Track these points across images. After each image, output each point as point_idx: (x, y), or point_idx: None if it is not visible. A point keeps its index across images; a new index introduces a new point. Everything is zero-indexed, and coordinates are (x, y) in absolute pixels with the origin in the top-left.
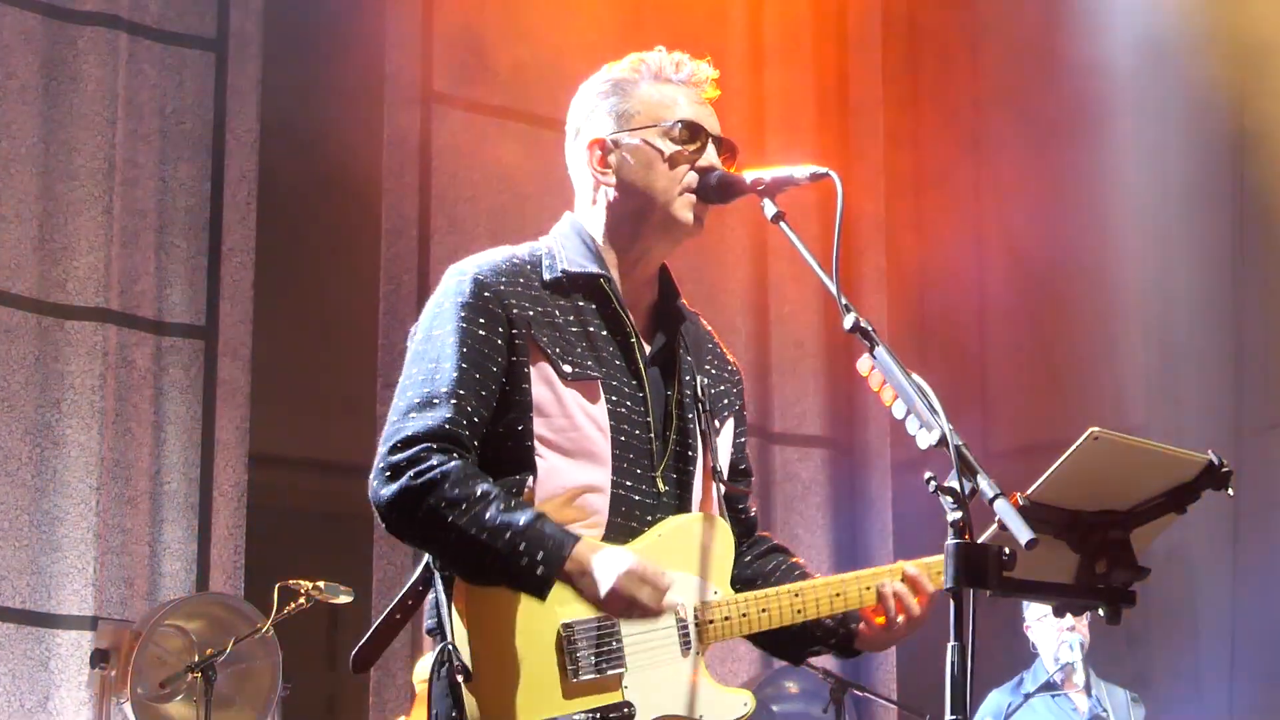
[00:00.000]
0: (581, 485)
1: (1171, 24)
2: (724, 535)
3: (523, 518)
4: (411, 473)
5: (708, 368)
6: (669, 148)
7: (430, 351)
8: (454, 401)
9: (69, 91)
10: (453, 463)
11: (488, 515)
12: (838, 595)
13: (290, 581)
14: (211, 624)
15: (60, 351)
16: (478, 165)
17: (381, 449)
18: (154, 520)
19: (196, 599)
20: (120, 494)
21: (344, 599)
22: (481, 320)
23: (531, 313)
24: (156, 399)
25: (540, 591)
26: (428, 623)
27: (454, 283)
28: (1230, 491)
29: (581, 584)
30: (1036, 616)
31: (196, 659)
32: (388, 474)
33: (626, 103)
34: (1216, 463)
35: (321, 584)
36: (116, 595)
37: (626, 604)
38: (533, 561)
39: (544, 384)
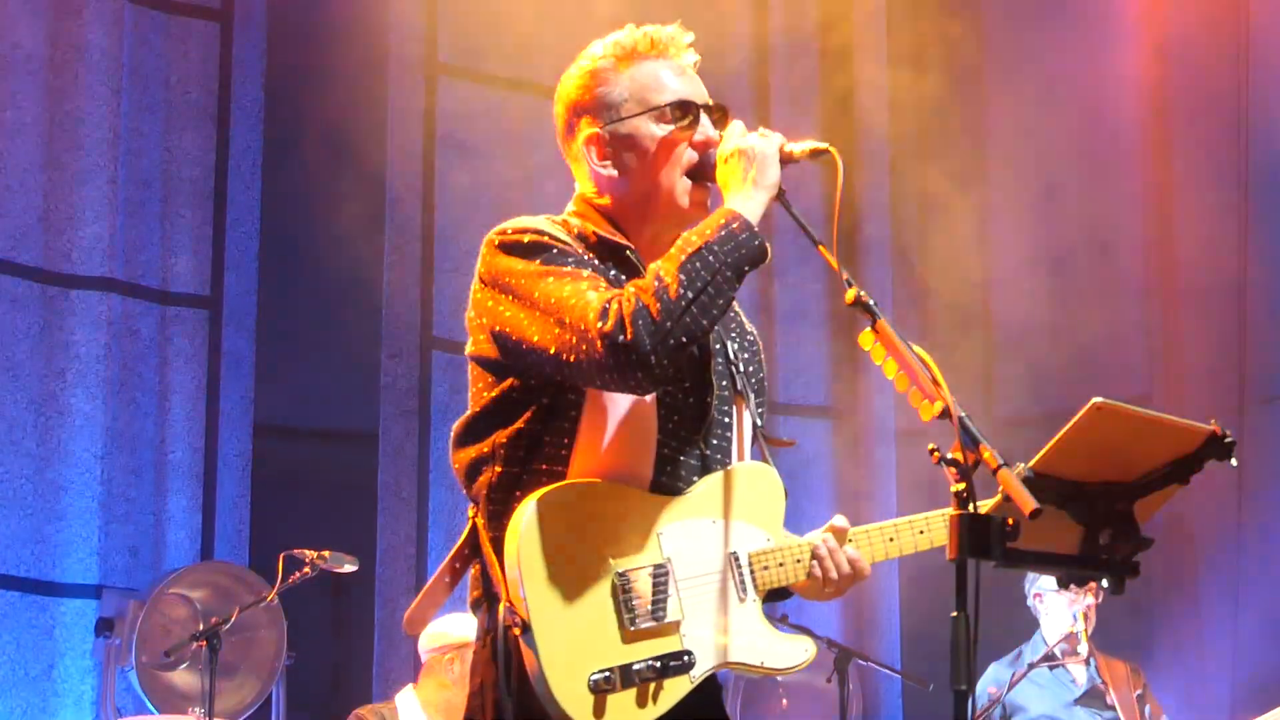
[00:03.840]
0: (629, 448)
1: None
2: (775, 484)
3: (693, 245)
4: (620, 322)
5: (733, 334)
6: (663, 130)
7: (537, 271)
8: (578, 264)
9: (74, 61)
10: (630, 297)
11: (682, 271)
12: (890, 540)
13: (295, 550)
14: (216, 593)
15: (65, 321)
16: (482, 136)
17: (586, 336)
18: (159, 489)
19: (201, 568)
20: (125, 463)
21: (349, 568)
22: (566, 243)
23: (587, 258)
24: (161, 368)
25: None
26: (472, 595)
27: (521, 231)
28: (1234, 462)
29: (761, 201)
30: (1050, 588)
31: (201, 628)
32: (610, 338)
33: (612, 91)
34: (1220, 433)
35: (326, 553)
36: (121, 564)
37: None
38: (738, 250)
39: None
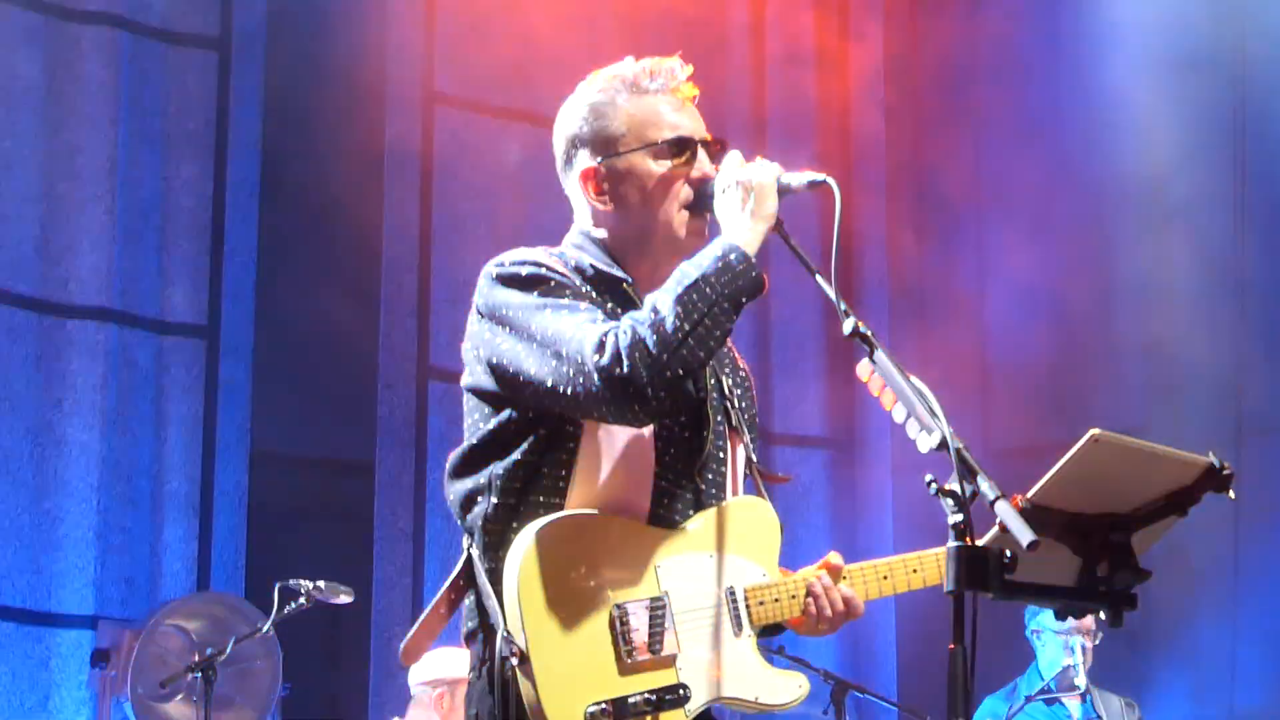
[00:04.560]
0: (626, 481)
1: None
2: (770, 519)
3: (690, 277)
4: (616, 355)
5: (727, 370)
6: (660, 166)
7: (534, 303)
8: (575, 296)
9: (72, 91)
10: (626, 330)
11: (679, 303)
12: (884, 578)
13: (291, 581)
14: (212, 623)
15: (62, 351)
16: (479, 165)
17: (584, 369)
18: (155, 520)
19: (197, 598)
20: (121, 493)
21: (344, 599)
22: (565, 275)
23: (585, 290)
24: (158, 398)
25: (761, 287)
26: (467, 626)
27: (516, 264)
28: (1231, 494)
29: (759, 232)
30: (1049, 624)
31: (197, 659)
32: (607, 370)
33: (610, 125)
34: (1217, 465)
35: (322, 584)
36: (117, 595)
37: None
38: (735, 282)
39: None
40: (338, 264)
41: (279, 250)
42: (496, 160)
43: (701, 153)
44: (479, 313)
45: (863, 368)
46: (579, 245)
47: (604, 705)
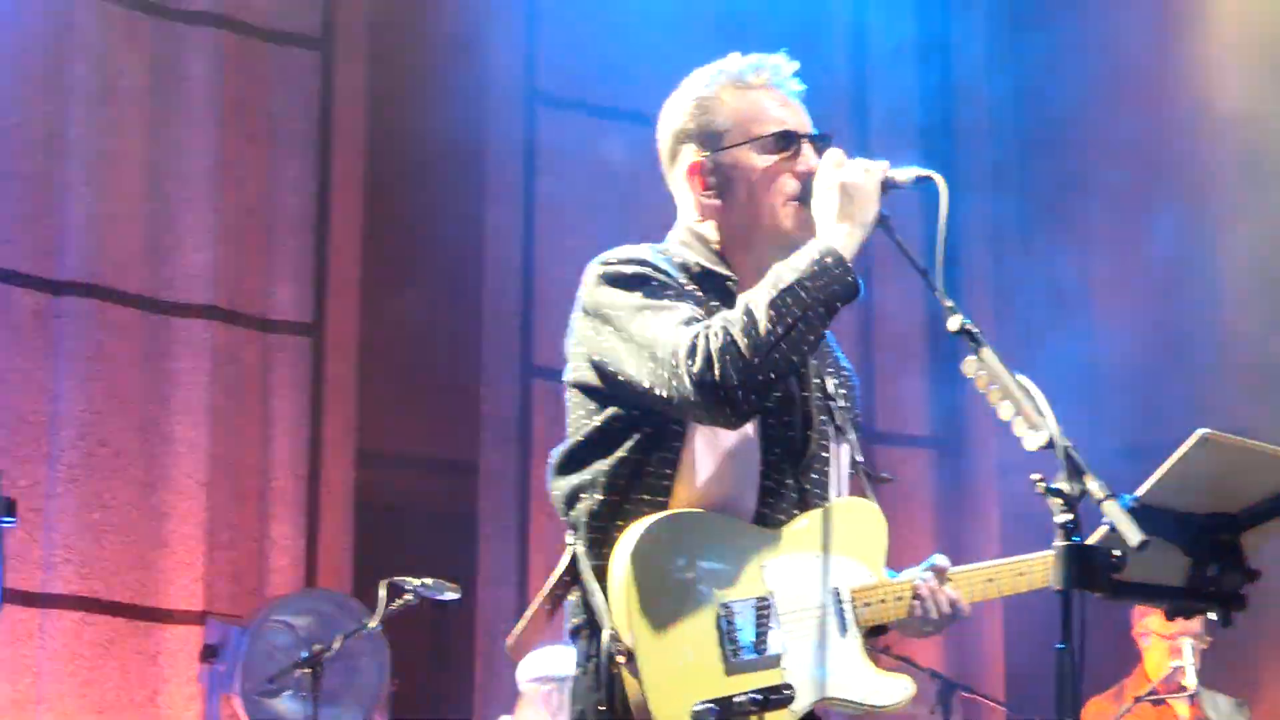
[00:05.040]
0: (734, 480)
1: None
2: (877, 520)
3: (785, 280)
4: (708, 359)
5: (830, 369)
6: (766, 160)
7: (632, 304)
8: (678, 297)
9: (176, 91)
10: (718, 332)
11: (772, 306)
12: (990, 581)
13: (397, 578)
14: (320, 620)
15: (169, 349)
16: (582, 164)
17: (677, 372)
18: (262, 517)
19: (305, 595)
20: (229, 490)
21: (450, 596)
22: (667, 276)
23: (689, 289)
24: (264, 396)
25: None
26: (573, 622)
27: (619, 262)
28: None
29: (856, 238)
30: (1156, 628)
31: (305, 655)
32: (699, 375)
33: (715, 120)
34: None
35: (428, 580)
36: (225, 591)
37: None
38: (830, 286)
39: None
40: (441, 261)
41: (383, 248)
42: (598, 158)
43: (807, 147)
44: (584, 310)
45: (968, 365)
46: (685, 242)
47: (711, 704)
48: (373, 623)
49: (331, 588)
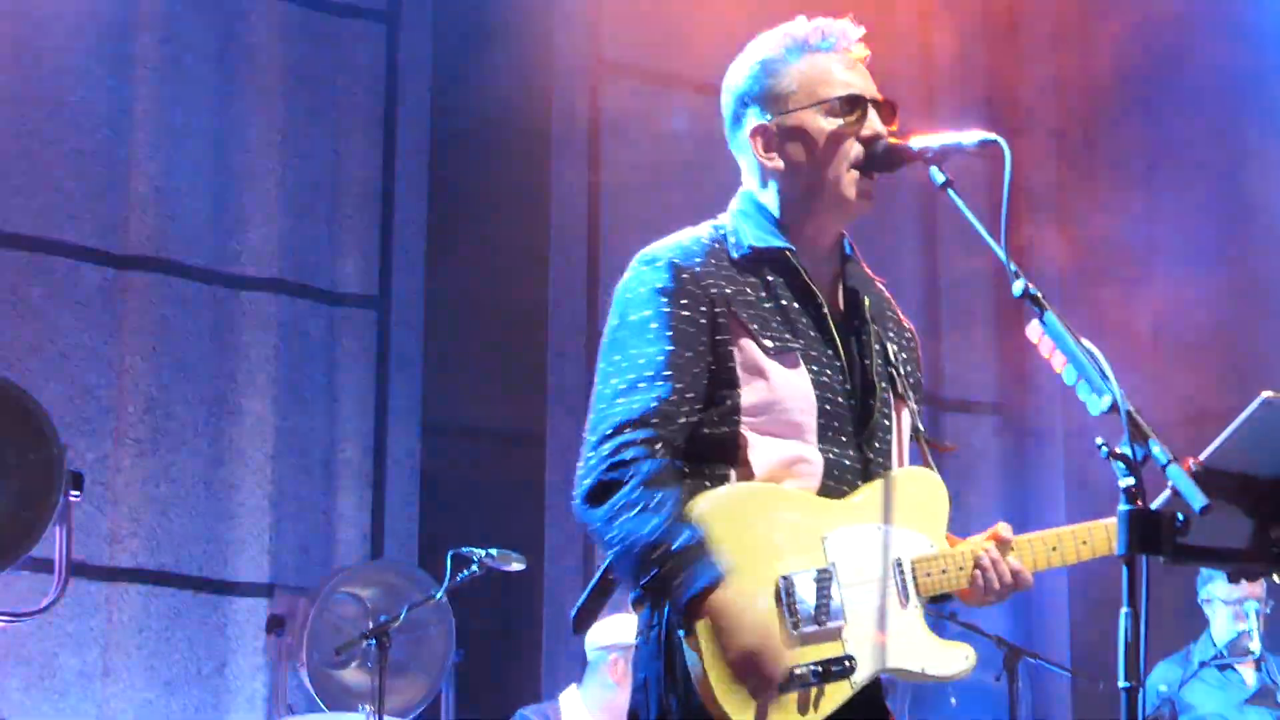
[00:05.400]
0: (791, 457)
1: None
2: (938, 490)
3: (679, 541)
4: (605, 468)
5: (891, 334)
6: (831, 124)
7: (631, 339)
8: (661, 382)
9: (242, 64)
10: (647, 463)
11: (650, 525)
12: (1053, 550)
13: (463, 549)
14: (385, 591)
15: (235, 322)
16: (647, 134)
17: (590, 438)
18: (328, 489)
19: (371, 566)
20: (295, 463)
21: (516, 566)
22: (684, 302)
23: (730, 290)
24: (330, 369)
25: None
26: (633, 592)
27: (647, 269)
28: None
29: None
30: (1220, 594)
31: (371, 626)
32: (593, 459)
33: (780, 83)
34: None
35: (494, 551)
36: (292, 563)
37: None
38: (668, 586)
39: (748, 361)
40: (507, 233)
41: (449, 220)
42: (664, 128)
43: (872, 112)
44: (612, 313)
45: (1033, 330)
46: (744, 213)
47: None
48: (439, 594)
49: (398, 559)
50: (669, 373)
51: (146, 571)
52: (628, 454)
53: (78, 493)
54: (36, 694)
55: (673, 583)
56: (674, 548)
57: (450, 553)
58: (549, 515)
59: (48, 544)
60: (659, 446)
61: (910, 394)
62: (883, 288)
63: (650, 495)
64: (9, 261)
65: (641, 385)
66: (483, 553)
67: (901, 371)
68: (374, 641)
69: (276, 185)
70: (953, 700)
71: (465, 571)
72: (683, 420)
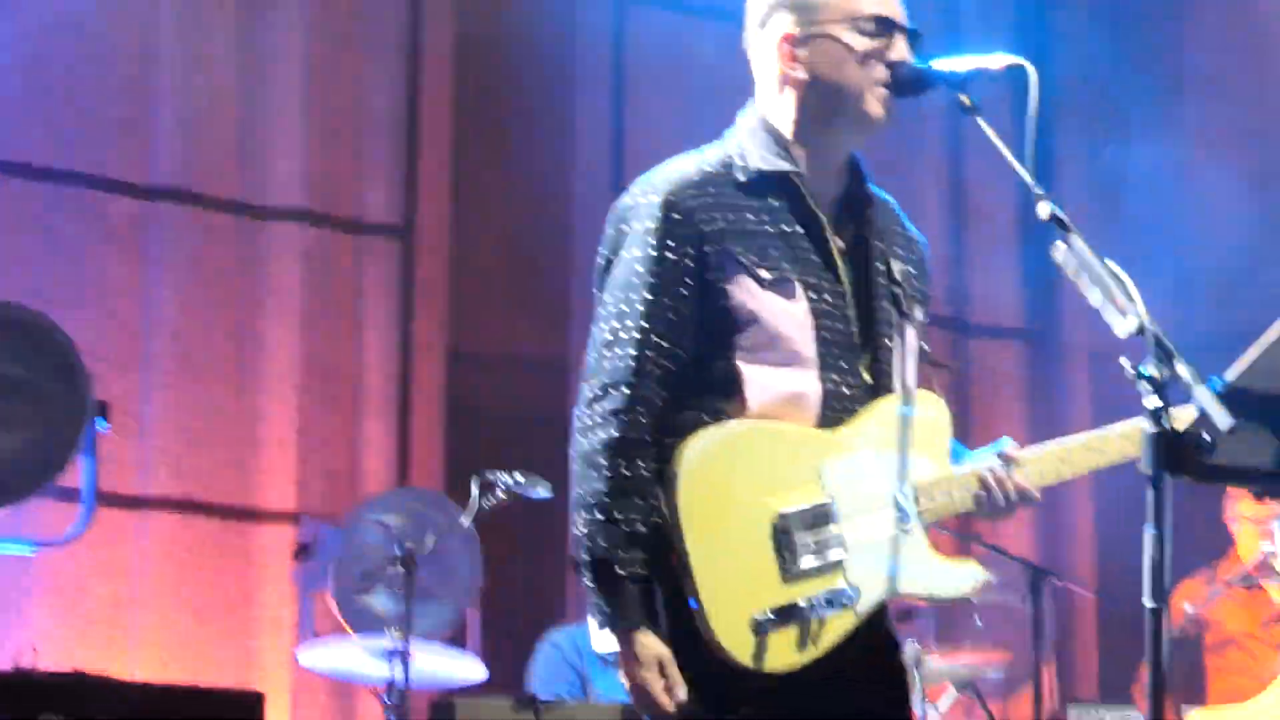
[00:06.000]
0: (790, 392)
1: None
2: (939, 413)
3: (628, 570)
4: (604, 442)
5: (898, 250)
6: (860, 43)
7: (620, 278)
8: (639, 335)
9: None
10: (636, 456)
11: (607, 537)
12: (1062, 461)
13: (489, 475)
14: (412, 518)
15: (260, 252)
16: (671, 62)
17: (585, 384)
18: (354, 417)
19: (397, 494)
20: (321, 391)
21: (543, 492)
22: (671, 244)
23: (723, 224)
24: (356, 298)
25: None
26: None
27: (643, 205)
28: None
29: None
30: (1247, 513)
31: (398, 552)
32: (585, 421)
33: None
34: None
35: (520, 476)
36: (319, 491)
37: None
38: (600, 606)
39: (743, 295)
40: (531, 161)
41: (473, 149)
42: (688, 56)
43: (900, 39)
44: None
45: (1057, 251)
46: (751, 132)
47: (770, 614)
48: (465, 520)
49: (424, 486)
50: (646, 324)
51: (174, 500)
52: (613, 429)
53: (105, 423)
54: (66, 622)
55: (605, 607)
56: (618, 572)
57: (476, 478)
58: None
59: (75, 474)
60: (640, 412)
61: (916, 310)
62: (891, 201)
63: (619, 505)
64: (36, 193)
65: (623, 337)
66: (509, 479)
67: (906, 290)
68: (401, 568)
69: (302, 115)
70: (978, 622)
71: (492, 498)
72: (660, 372)
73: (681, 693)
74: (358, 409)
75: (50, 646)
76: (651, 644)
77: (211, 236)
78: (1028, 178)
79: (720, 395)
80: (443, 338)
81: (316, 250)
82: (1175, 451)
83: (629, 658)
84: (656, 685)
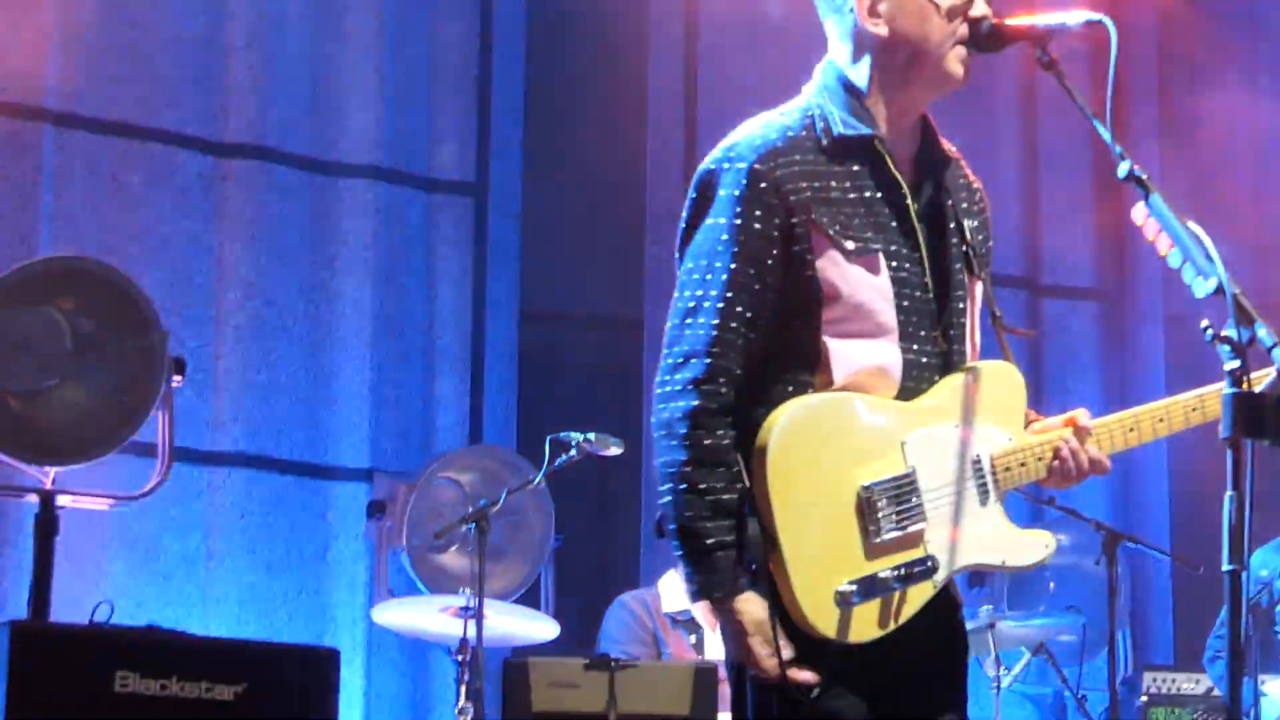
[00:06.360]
0: (873, 364)
1: None
2: (1015, 381)
3: (716, 539)
4: (685, 411)
5: (967, 207)
6: None
7: (705, 245)
8: (723, 305)
9: None
10: (705, 425)
11: (692, 506)
12: (1131, 430)
13: (561, 434)
14: (484, 476)
15: (333, 209)
16: (745, 20)
17: (667, 352)
18: (427, 375)
19: (470, 451)
20: (394, 349)
21: (615, 450)
22: (758, 213)
23: (809, 193)
24: (428, 255)
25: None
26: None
27: (728, 171)
28: None
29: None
30: None
31: (470, 510)
32: (666, 389)
33: None
34: None
35: (592, 436)
36: (391, 448)
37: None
38: (691, 576)
39: (828, 268)
40: (605, 121)
41: (546, 108)
42: (760, 11)
43: None
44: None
45: (1138, 212)
46: (830, 92)
47: (854, 585)
48: (537, 479)
49: (496, 444)
50: (730, 294)
51: (248, 456)
52: (693, 399)
53: (179, 378)
54: (141, 577)
55: (696, 577)
56: (706, 543)
57: (549, 437)
58: (646, 400)
59: (150, 429)
60: (721, 382)
61: (983, 269)
62: (955, 151)
63: (701, 474)
64: (110, 148)
65: (706, 306)
66: (581, 437)
67: (975, 250)
68: (473, 526)
69: (374, 72)
70: (1051, 585)
71: (564, 456)
72: (742, 342)
73: (787, 653)
74: (430, 367)
75: (125, 601)
76: (749, 609)
77: (284, 193)
78: (1107, 136)
79: (805, 368)
80: (515, 295)
81: (389, 207)
82: (1254, 414)
83: (728, 626)
84: (761, 650)
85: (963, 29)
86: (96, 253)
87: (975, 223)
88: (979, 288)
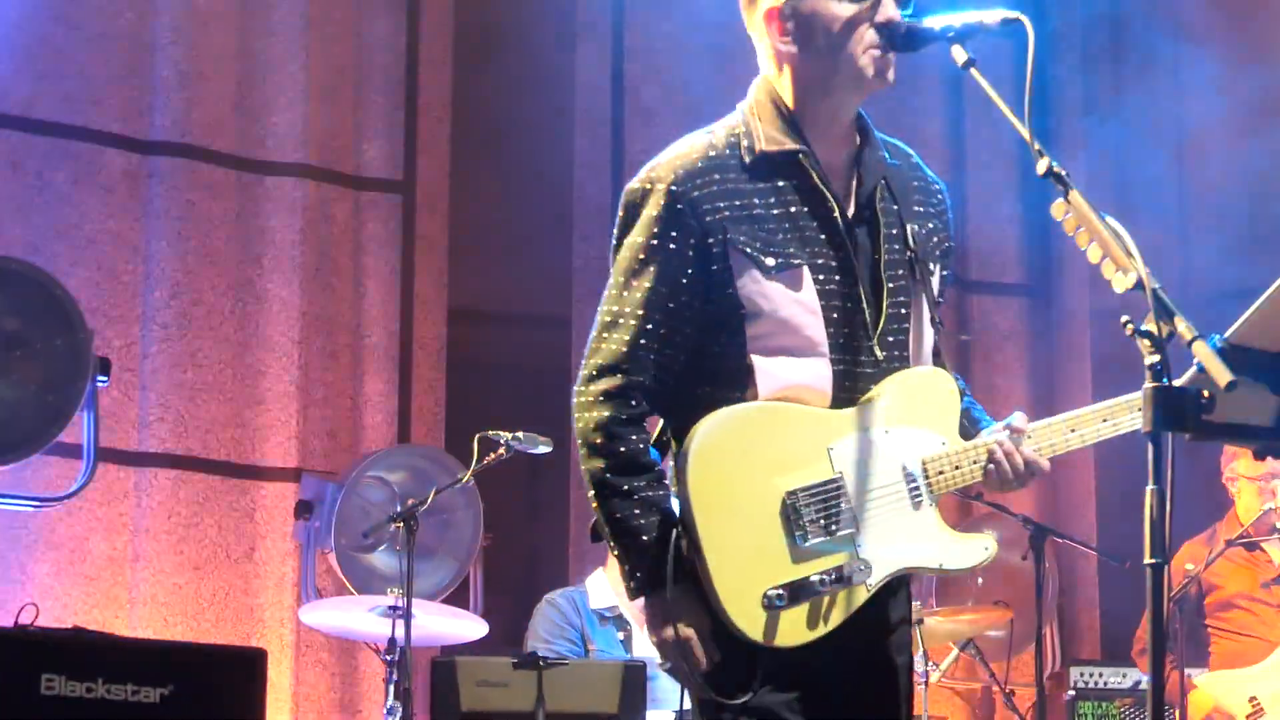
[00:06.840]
0: (801, 379)
1: None
2: (948, 386)
3: (649, 534)
4: (597, 422)
5: (915, 207)
6: (845, 9)
7: (626, 263)
8: (635, 323)
9: None
10: (629, 433)
11: (620, 506)
12: (1072, 431)
13: (490, 432)
14: (413, 475)
15: (260, 208)
16: (674, 16)
17: (584, 364)
18: (355, 373)
19: (398, 450)
20: (322, 348)
21: (543, 449)
22: (673, 234)
23: (728, 212)
24: (355, 253)
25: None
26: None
27: (650, 193)
28: None
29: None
30: (1245, 471)
31: (399, 509)
32: (581, 399)
33: None
34: None
35: (520, 434)
36: (319, 447)
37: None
38: (631, 572)
39: (748, 284)
40: (531, 116)
41: (473, 104)
42: (692, 10)
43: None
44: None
45: (1057, 208)
46: (760, 106)
47: (780, 589)
48: (466, 477)
49: (425, 443)
50: (642, 312)
51: (174, 456)
52: (606, 410)
53: (105, 378)
54: (66, 578)
55: (637, 572)
56: (641, 539)
57: (477, 436)
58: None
59: (76, 430)
60: (633, 396)
61: (935, 271)
62: (908, 151)
63: (624, 478)
64: (34, 147)
65: (621, 322)
66: (509, 435)
67: (920, 254)
68: (402, 525)
69: (301, 70)
70: (979, 580)
71: (492, 454)
72: (655, 358)
73: (715, 652)
74: (358, 365)
75: (51, 604)
76: (683, 603)
77: (210, 191)
78: (1025, 133)
79: (733, 385)
80: (443, 293)
81: (316, 205)
82: (1174, 408)
83: (658, 619)
84: (690, 642)
85: (871, 35)
86: (21, 252)
87: (929, 225)
88: (924, 298)
